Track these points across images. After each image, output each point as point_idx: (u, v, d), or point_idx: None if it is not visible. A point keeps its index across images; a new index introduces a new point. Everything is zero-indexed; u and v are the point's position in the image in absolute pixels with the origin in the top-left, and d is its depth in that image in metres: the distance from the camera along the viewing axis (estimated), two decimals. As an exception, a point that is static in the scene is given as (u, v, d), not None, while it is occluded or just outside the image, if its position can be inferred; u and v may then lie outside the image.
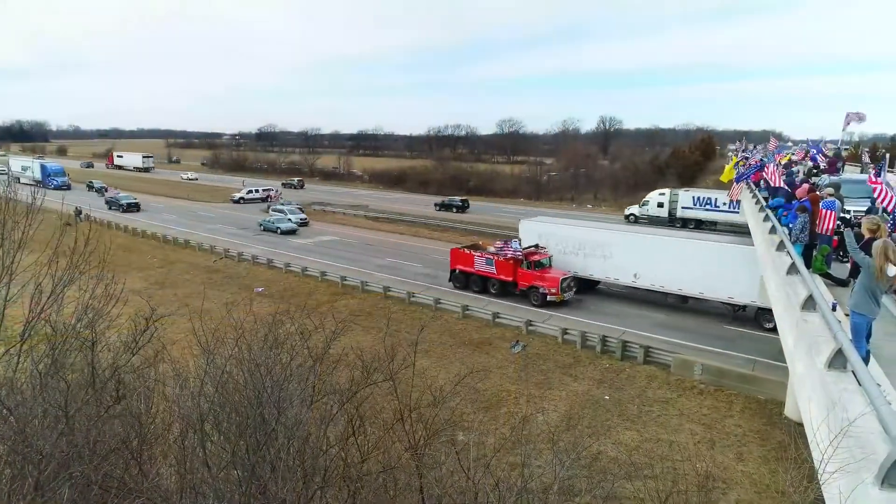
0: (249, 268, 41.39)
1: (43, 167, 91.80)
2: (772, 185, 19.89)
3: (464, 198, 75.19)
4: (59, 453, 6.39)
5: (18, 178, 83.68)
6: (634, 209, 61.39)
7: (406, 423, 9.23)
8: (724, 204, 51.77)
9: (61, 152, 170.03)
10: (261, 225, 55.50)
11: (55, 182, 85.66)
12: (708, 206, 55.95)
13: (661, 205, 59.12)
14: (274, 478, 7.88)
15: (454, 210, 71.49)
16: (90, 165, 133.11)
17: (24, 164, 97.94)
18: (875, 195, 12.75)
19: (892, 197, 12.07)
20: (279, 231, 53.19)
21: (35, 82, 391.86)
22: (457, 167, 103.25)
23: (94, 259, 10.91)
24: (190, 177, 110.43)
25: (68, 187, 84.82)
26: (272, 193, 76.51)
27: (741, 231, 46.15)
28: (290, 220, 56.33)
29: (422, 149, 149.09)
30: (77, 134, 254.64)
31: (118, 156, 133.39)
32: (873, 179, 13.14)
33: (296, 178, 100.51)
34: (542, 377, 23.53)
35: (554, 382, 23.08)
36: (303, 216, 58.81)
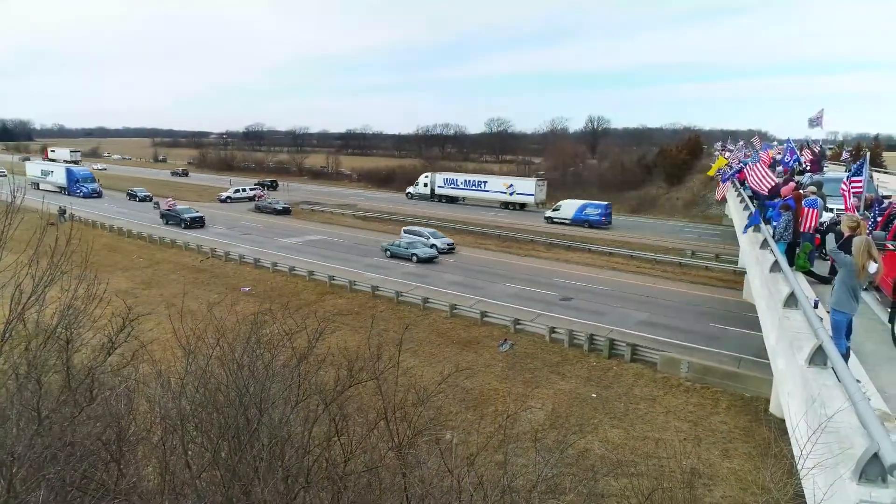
0: (236, 267, 41.12)
1: (69, 172, 79.83)
2: (757, 191, 20.00)
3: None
4: (33, 455, 6.29)
5: (37, 185, 77.20)
6: (412, 189, 79.32)
7: (391, 422, 9.19)
8: (465, 183, 73.29)
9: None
10: (387, 250, 43.25)
11: (84, 189, 76.04)
12: (452, 186, 74.38)
13: (426, 185, 76.81)
14: (257, 478, 7.82)
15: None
16: (27, 159, 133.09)
17: (45, 168, 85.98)
18: (844, 201, 12.86)
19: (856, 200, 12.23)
20: (415, 259, 41.22)
21: (17, 81, 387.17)
22: (445, 166, 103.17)
23: (77, 258, 10.76)
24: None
25: (99, 195, 76.23)
26: (259, 193, 76.05)
27: (484, 205, 69.80)
28: (433, 245, 43.64)
29: (410, 148, 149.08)
30: (62, 133, 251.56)
31: (52, 150, 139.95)
32: (846, 183, 13.17)
33: (269, 179, 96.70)
34: (530, 375, 23.56)
35: (541, 381, 23.11)
36: (449, 241, 45.24)
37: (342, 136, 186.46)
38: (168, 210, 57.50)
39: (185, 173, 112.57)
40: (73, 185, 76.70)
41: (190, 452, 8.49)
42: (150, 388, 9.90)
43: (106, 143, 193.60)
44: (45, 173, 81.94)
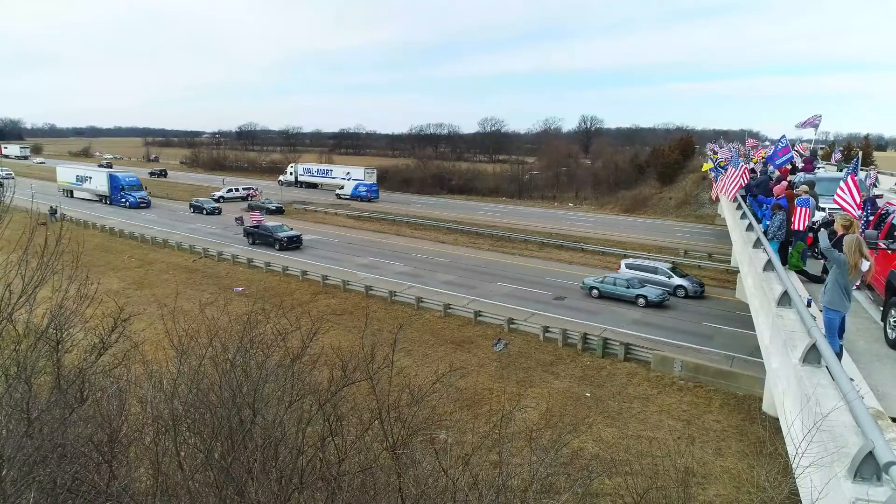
0: (229, 267, 40.94)
1: (113, 178, 69.02)
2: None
3: None
4: (23, 456, 6.21)
5: (70, 193, 70.93)
6: (282, 177, 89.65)
7: (385, 422, 9.16)
8: (317, 171, 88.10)
9: (36, 151, 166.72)
10: (593, 289, 33.16)
11: (131, 198, 66.39)
12: (310, 174, 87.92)
13: (291, 174, 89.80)
14: (250, 479, 7.76)
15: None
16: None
17: (81, 173, 74.73)
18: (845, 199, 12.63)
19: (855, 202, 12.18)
20: (642, 303, 31.10)
21: (8, 80, 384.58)
22: (439, 166, 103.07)
23: (68, 258, 10.66)
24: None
25: (147, 205, 66.98)
26: (252, 192, 75.67)
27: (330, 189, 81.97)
28: (679, 285, 33.22)
29: (404, 147, 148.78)
30: (53, 132, 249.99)
31: (5, 146, 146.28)
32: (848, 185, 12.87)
33: (158, 169, 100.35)
34: (524, 375, 23.57)
35: (535, 380, 23.13)
36: (698, 286, 33.61)
37: (335, 136, 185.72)
38: (255, 227, 47.46)
39: (163, 173, 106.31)
40: (116, 194, 67.20)
41: (183, 453, 8.42)
42: (141, 389, 9.82)
43: (97, 143, 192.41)
44: (82, 179, 72.10)
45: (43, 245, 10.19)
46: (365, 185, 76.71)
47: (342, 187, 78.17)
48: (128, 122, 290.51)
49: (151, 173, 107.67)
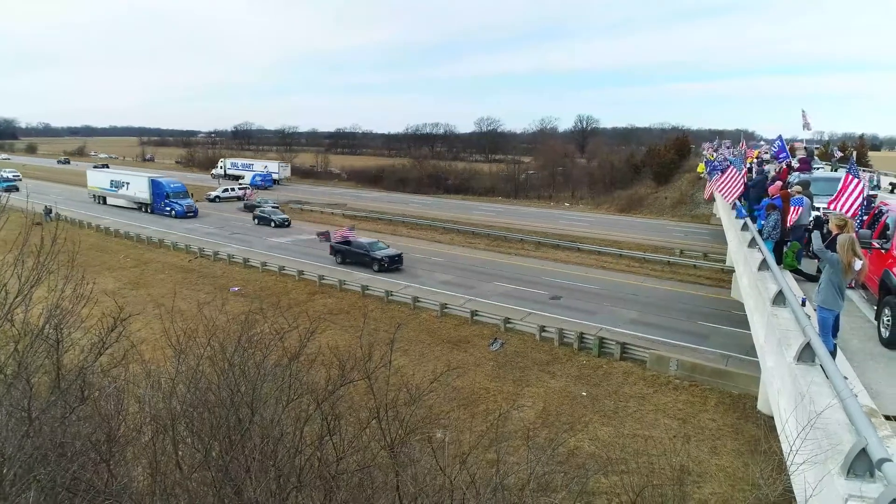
0: (225, 267, 40.88)
1: (156, 184, 62.16)
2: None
3: None
4: (23, 456, 6.23)
5: (102, 200, 67.97)
6: (214, 171, 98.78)
7: (382, 421, 9.19)
8: (241, 165, 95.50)
9: (31, 150, 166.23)
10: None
11: (177, 207, 59.53)
12: (235, 168, 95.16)
13: (221, 167, 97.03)
14: (248, 478, 7.79)
15: None
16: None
17: (116, 177, 67.86)
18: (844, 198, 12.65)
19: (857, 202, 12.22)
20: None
21: (3, 79, 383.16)
22: (435, 166, 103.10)
23: (64, 258, 10.66)
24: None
25: (195, 214, 60.19)
26: (247, 192, 75.57)
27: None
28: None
29: (400, 147, 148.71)
30: (47, 131, 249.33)
31: None
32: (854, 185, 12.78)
33: (101, 163, 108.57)
34: (520, 374, 23.63)
35: (532, 379, 23.19)
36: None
37: (331, 135, 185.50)
38: (342, 244, 41.05)
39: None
40: (159, 202, 60.81)
41: (181, 453, 8.44)
42: (139, 389, 9.84)
43: (92, 143, 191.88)
44: (117, 184, 65.59)
45: (39, 245, 10.20)
46: (260, 175, 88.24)
47: (243, 177, 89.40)
48: (127, 122, 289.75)
49: (95, 167, 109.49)
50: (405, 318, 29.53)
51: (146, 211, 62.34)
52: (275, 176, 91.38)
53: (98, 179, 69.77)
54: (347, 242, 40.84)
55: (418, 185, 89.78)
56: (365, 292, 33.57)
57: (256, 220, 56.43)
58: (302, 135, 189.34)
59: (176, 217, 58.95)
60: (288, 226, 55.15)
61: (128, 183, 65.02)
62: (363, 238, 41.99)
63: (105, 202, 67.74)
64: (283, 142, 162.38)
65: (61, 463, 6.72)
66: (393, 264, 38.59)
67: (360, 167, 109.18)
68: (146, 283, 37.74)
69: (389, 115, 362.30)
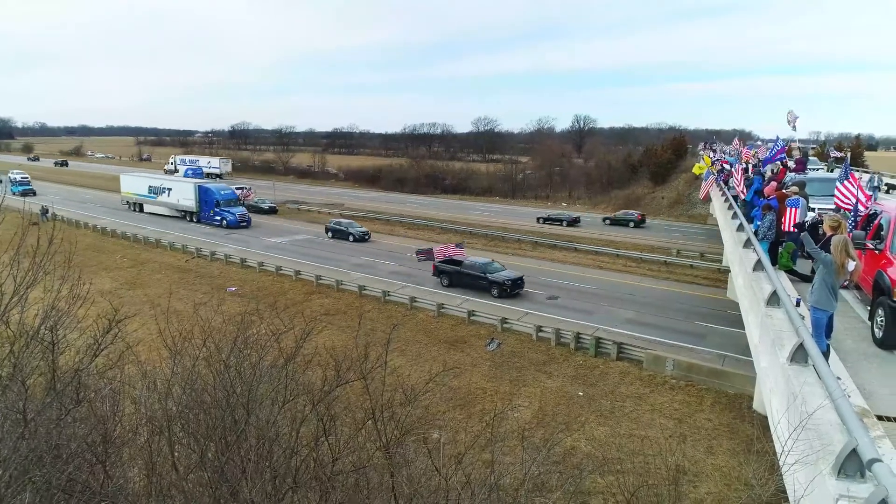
0: (222, 267, 40.83)
1: (204, 191, 55.61)
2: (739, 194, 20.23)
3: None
4: (19, 458, 6.24)
5: (139, 207, 60.78)
6: (167, 166, 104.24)
7: (378, 422, 9.22)
8: (189, 161, 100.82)
9: (27, 150, 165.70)
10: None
11: (229, 216, 53.20)
12: (185, 164, 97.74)
13: (173, 164, 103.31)
14: (244, 479, 7.80)
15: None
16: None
17: (156, 183, 60.36)
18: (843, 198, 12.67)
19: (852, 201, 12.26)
20: None
21: (6, 79, 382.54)
22: (432, 165, 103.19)
23: (60, 258, 10.65)
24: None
25: (248, 224, 53.91)
26: (245, 192, 75.34)
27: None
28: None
29: (397, 147, 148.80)
30: (44, 131, 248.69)
31: None
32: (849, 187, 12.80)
33: (61, 159, 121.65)
34: (517, 374, 23.66)
35: (528, 379, 23.22)
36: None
37: (329, 135, 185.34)
38: (452, 264, 34.57)
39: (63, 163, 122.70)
40: (207, 210, 54.51)
41: (177, 454, 8.46)
42: (135, 390, 9.84)
43: (88, 142, 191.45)
44: (157, 191, 58.61)
45: (35, 245, 10.20)
46: (192, 169, 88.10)
47: (178, 171, 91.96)
48: (127, 122, 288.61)
49: (56, 163, 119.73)
50: (402, 318, 29.55)
51: (191, 220, 56.23)
52: (216, 171, 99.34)
53: (133, 185, 62.32)
54: (456, 262, 34.71)
55: (416, 185, 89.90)
56: (362, 292, 33.55)
57: (330, 234, 50.14)
58: (299, 134, 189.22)
59: (228, 227, 52.90)
60: (368, 240, 48.93)
61: (170, 189, 58.07)
62: (476, 258, 35.96)
63: (141, 209, 61.03)
64: (280, 141, 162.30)
65: (57, 464, 6.73)
66: (515, 288, 32.90)
67: (358, 167, 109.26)
68: (143, 283, 37.68)
69: (387, 114, 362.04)
